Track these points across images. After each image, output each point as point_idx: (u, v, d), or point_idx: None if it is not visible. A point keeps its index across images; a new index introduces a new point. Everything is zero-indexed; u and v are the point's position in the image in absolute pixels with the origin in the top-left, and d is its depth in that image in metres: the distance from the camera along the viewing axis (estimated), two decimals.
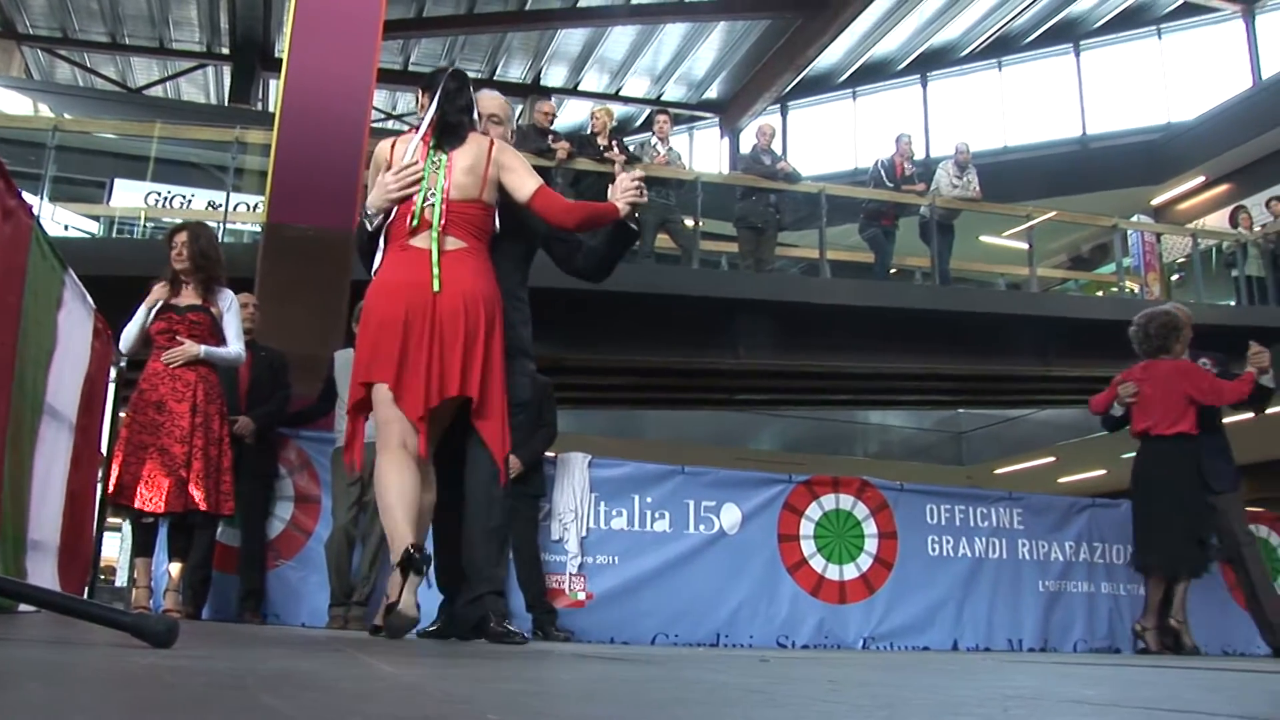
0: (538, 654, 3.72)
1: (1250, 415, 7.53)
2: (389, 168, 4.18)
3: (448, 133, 4.21)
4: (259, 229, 9.50)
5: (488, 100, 4.61)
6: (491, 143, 4.25)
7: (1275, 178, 16.85)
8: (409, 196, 4.11)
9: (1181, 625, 7.14)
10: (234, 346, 6.09)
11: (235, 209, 12.33)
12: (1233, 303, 15.04)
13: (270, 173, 8.85)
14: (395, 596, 3.79)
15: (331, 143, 8.68)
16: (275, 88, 13.67)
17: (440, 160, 4.15)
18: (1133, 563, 7.44)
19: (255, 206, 11.68)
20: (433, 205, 4.09)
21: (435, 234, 4.08)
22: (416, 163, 4.14)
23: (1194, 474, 7.02)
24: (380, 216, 4.19)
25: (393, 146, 4.28)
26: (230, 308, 6.14)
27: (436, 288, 4.03)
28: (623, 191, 4.31)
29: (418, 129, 4.26)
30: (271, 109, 12.89)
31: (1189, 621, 7.18)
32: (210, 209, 12.55)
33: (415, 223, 4.09)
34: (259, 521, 6.86)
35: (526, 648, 4.03)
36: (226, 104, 21.86)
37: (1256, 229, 15.11)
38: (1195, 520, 7.02)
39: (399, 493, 4.00)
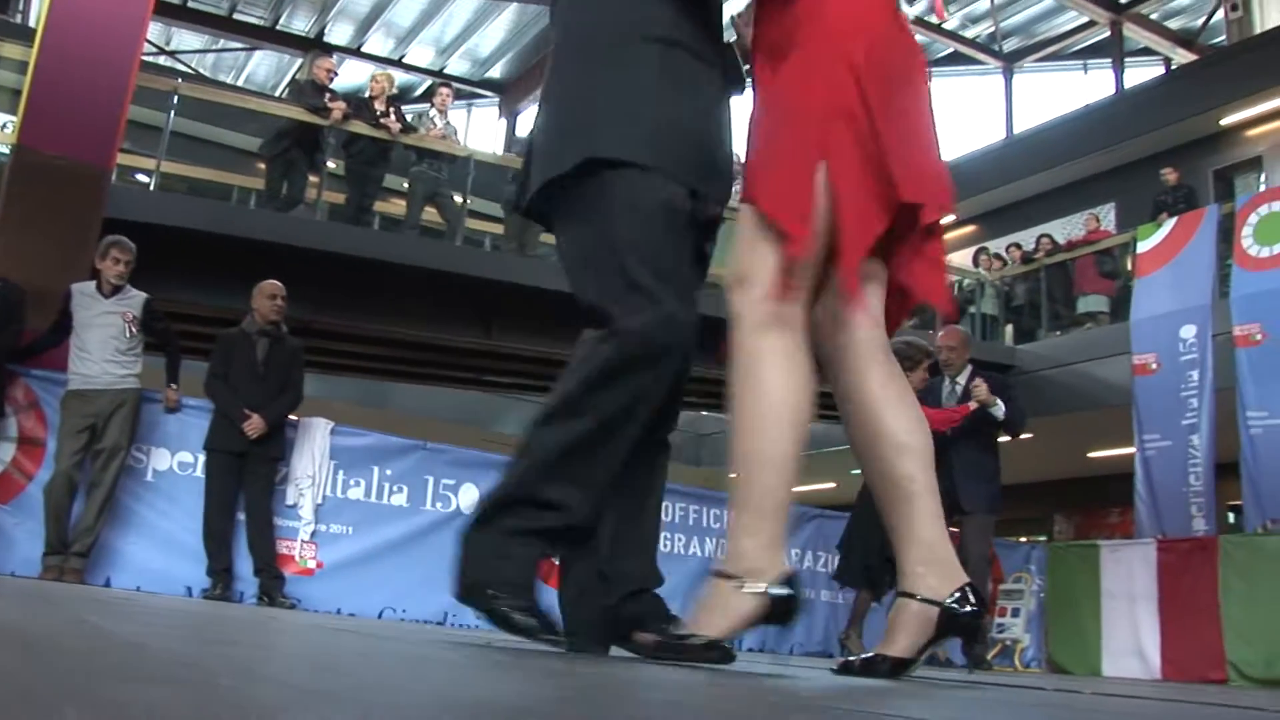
0: (265, 618, 3.68)
1: (1008, 439, 7.84)
2: None
3: None
4: (6, 150, 8.93)
5: None
6: None
7: (1017, 225, 17.98)
8: None
9: (849, 635, 7.58)
10: None
11: None
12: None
13: (25, 93, 8.32)
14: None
15: (97, 71, 8.23)
16: (39, 2, 12.88)
17: None
18: (835, 574, 7.85)
19: (4, 126, 10.98)
20: None
21: None
22: None
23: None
24: None
25: None
26: None
27: None
28: None
29: None
30: (34, 24, 12.14)
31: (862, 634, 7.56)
32: None
33: None
34: None
35: (256, 612, 3.96)
36: None
37: (996, 271, 16.08)
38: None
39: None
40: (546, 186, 2.66)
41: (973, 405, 7.44)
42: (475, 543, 2.56)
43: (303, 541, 7.07)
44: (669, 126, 2.59)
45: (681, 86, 2.63)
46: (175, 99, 11.24)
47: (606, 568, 2.81)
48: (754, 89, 2.70)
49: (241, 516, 6.82)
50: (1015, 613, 9.35)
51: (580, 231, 2.67)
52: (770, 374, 2.50)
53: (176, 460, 6.96)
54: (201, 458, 6.89)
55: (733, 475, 2.58)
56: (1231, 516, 13.19)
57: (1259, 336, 10.13)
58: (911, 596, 2.50)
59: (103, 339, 6.63)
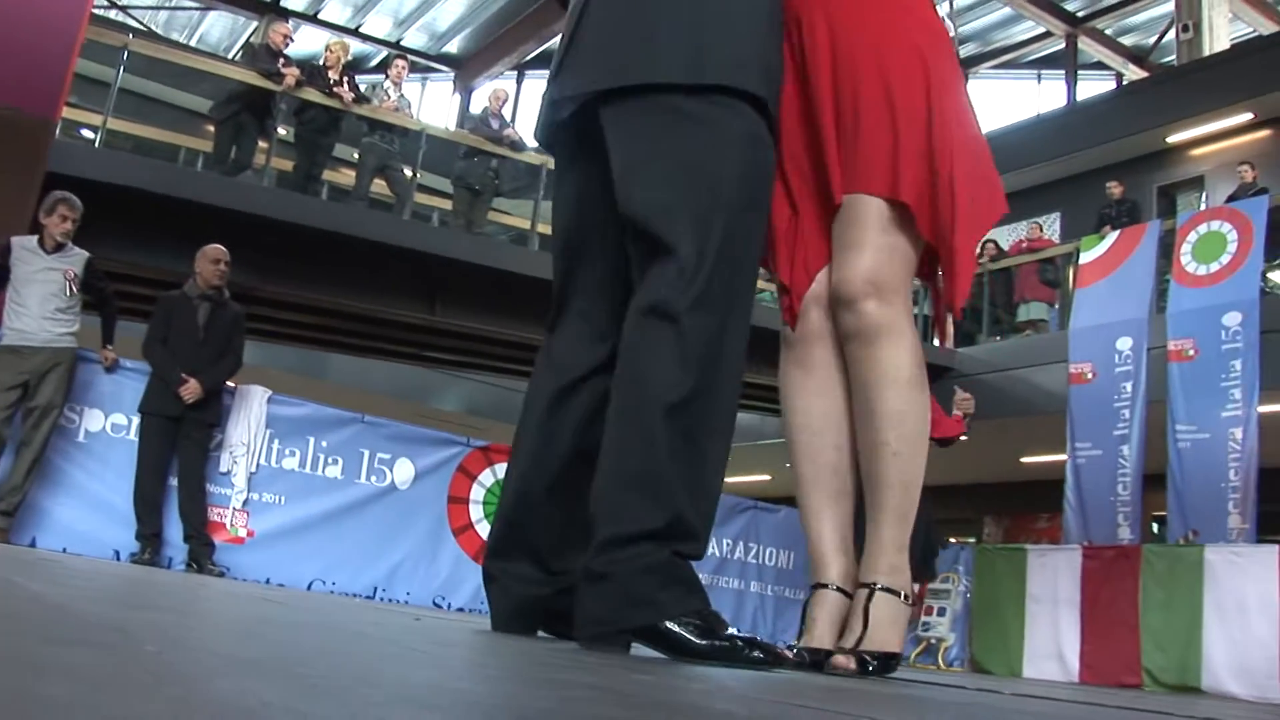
0: (192, 585, 3.66)
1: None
2: None
3: None
4: None
5: None
6: None
7: None
8: None
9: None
10: None
11: None
12: None
13: None
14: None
15: (46, 21, 8.10)
16: None
17: None
18: None
19: None
20: None
21: None
22: None
23: None
24: None
25: None
26: None
27: None
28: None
29: None
30: None
31: None
32: None
33: None
34: None
35: (184, 578, 3.94)
36: None
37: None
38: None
39: None
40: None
41: (962, 416, 7.53)
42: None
43: (235, 509, 7.02)
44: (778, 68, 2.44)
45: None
46: (125, 54, 11.06)
47: (554, 561, 2.58)
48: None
49: (173, 482, 6.76)
50: (941, 612, 9.49)
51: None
52: (926, 396, 2.44)
53: (110, 422, 6.88)
54: (135, 420, 6.81)
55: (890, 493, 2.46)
56: (1155, 527, 13.43)
57: (1191, 352, 10.32)
58: (895, 592, 2.49)
59: (42, 296, 6.53)
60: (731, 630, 2.20)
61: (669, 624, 2.12)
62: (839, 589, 2.50)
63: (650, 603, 2.12)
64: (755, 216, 2.34)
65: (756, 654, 2.15)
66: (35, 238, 6.67)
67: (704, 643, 2.11)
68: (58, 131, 8.68)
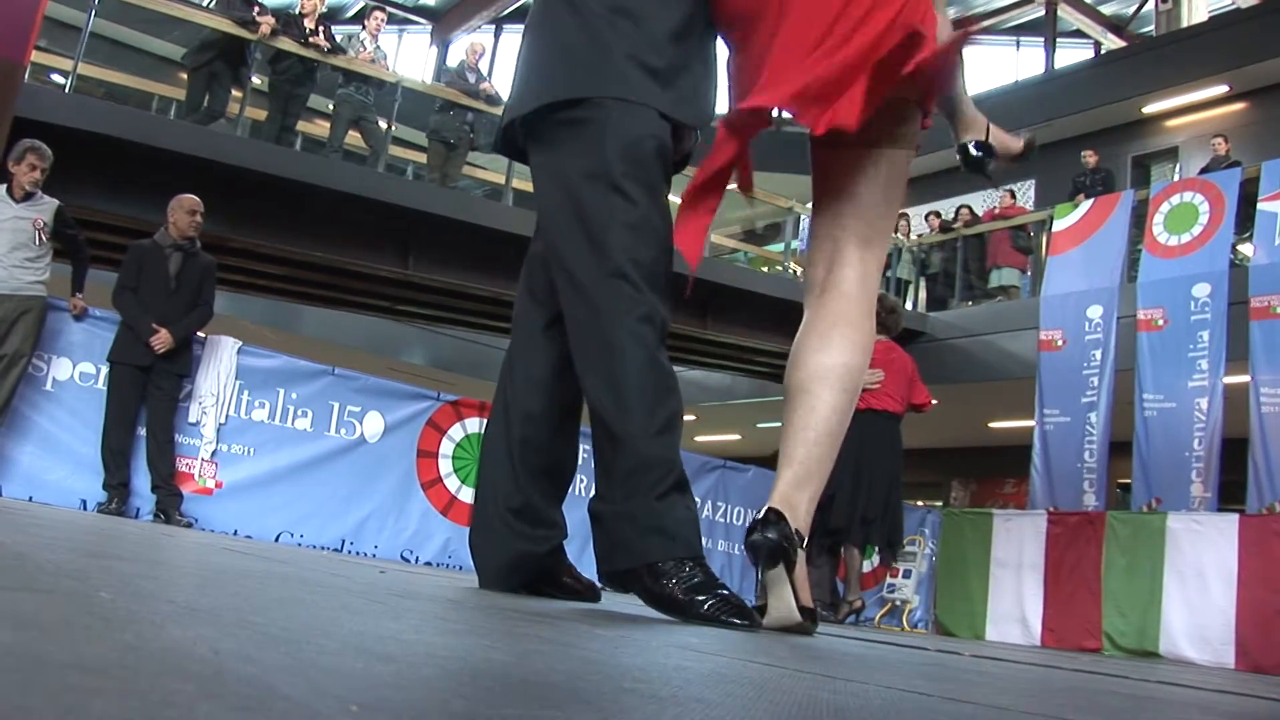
0: (158, 535, 3.66)
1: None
2: None
3: None
4: None
5: None
6: None
7: (936, 194, 18.16)
8: None
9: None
10: None
11: None
12: None
13: None
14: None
15: None
16: None
17: None
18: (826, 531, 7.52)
19: None
20: None
21: None
22: None
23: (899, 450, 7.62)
24: None
25: None
26: None
27: None
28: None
29: None
30: None
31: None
32: None
33: None
34: None
35: (150, 528, 3.93)
36: None
37: (914, 237, 16.28)
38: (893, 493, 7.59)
39: None
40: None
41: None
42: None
43: (203, 460, 7.00)
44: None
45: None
46: None
47: (546, 512, 2.81)
48: None
49: (142, 432, 6.73)
50: (907, 574, 9.57)
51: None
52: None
53: (78, 371, 6.83)
54: (104, 370, 6.77)
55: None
56: (1120, 494, 13.57)
57: (1161, 322, 10.39)
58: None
59: (11, 244, 6.47)
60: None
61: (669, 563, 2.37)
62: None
63: (674, 537, 2.40)
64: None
65: (737, 618, 2.31)
66: (4, 186, 6.60)
67: (698, 598, 2.33)
68: (26, 75, 8.56)
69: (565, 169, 2.63)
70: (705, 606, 2.31)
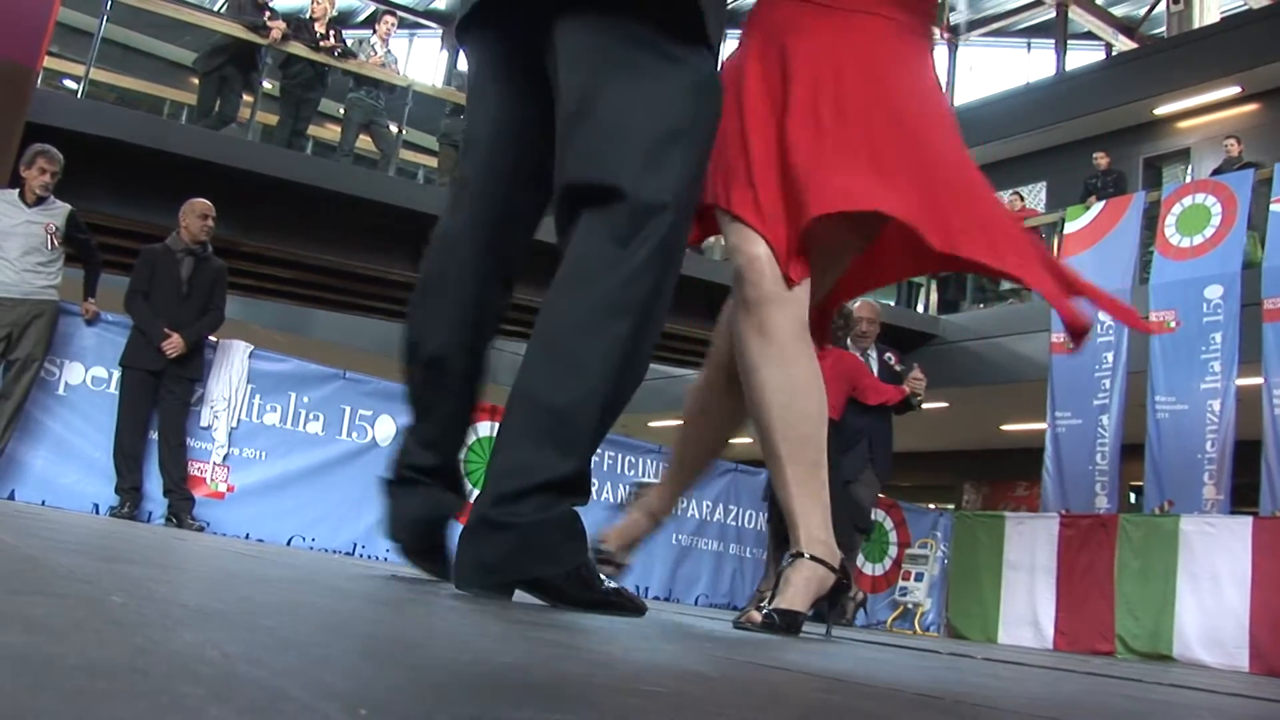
0: (170, 539, 3.66)
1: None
2: None
3: None
4: None
5: None
6: None
7: None
8: None
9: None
10: None
11: None
12: (893, 303, 16.13)
13: None
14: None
15: None
16: None
17: None
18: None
19: None
20: None
21: None
22: None
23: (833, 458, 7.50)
24: None
25: None
26: None
27: None
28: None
29: None
30: None
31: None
32: None
33: None
34: None
35: (162, 532, 3.94)
36: None
37: None
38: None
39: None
40: None
41: (907, 391, 7.46)
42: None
43: (215, 464, 7.01)
44: None
45: None
46: (109, 4, 10.95)
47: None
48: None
49: (154, 436, 6.75)
50: (919, 577, 9.54)
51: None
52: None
53: (90, 375, 6.85)
54: (116, 374, 6.79)
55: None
56: (1133, 497, 13.53)
57: (1173, 324, 10.35)
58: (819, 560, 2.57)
59: (23, 248, 6.50)
60: (606, 583, 2.20)
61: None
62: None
63: (552, 557, 2.06)
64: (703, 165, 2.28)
65: (626, 606, 2.17)
66: (15, 191, 6.62)
67: (590, 595, 2.10)
68: (39, 81, 8.59)
69: None
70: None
